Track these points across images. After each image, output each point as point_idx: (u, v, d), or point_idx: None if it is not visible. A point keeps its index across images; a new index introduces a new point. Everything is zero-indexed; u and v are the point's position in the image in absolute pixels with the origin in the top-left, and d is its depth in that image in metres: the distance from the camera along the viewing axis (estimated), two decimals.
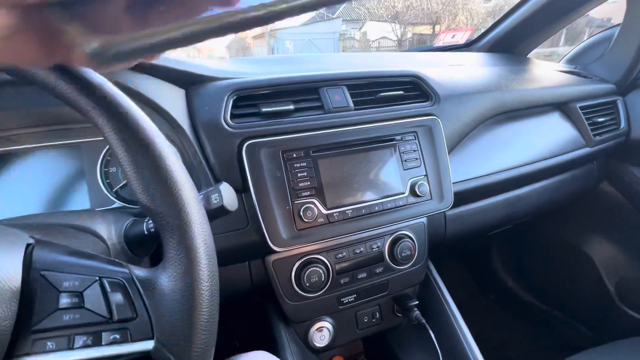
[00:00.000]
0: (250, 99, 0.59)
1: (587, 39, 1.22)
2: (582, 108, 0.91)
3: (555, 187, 0.92)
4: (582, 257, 1.16)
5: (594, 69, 1.08)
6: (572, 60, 1.20)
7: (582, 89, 0.94)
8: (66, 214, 0.45)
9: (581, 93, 0.93)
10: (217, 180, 0.55)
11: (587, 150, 0.91)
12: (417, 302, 0.69)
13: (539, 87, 0.88)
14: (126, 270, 0.30)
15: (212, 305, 0.29)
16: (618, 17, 1.04)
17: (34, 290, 0.27)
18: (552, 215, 1.20)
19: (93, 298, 0.28)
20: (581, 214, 1.16)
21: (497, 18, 1.21)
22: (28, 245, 0.30)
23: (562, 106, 0.92)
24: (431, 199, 0.65)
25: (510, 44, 1.21)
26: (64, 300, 0.27)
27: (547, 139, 0.86)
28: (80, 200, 0.58)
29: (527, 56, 1.24)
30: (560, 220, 1.20)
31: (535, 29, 1.13)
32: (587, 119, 0.91)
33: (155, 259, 0.54)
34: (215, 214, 0.42)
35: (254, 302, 0.76)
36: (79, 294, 0.28)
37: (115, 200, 0.58)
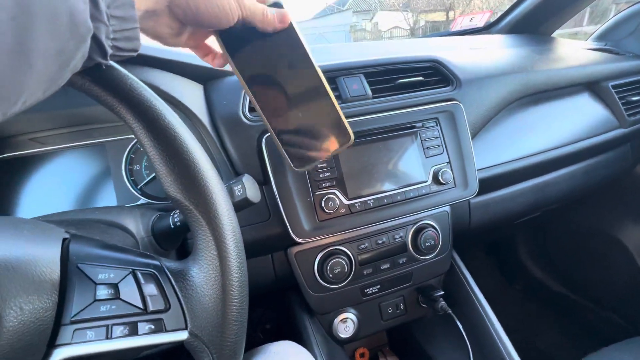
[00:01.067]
0: None
1: (615, 15, 1.14)
2: (614, 87, 0.86)
3: (587, 171, 0.87)
4: (615, 245, 1.11)
5: (627, 45, 1.01)
6: (601, 37, 1.13)
7: (614, 67, 0.88)
8: (96, 210, 0.46)
9: (613, 71, 0.88)
10: (238, 174, 0.56)
11: (621, 131, 0.86)
12: (443, 293, 0.68)
13: (567, 67, 0.83)
14: (158, 263, 0.30)
15: (242, 296, 0.29)
16: None
17: (72, 282, 0.28)
18: (582, 201, 1.14)
19: (128, 290, 0.28)
20: (615, 199, 1.10)
21: (514, 1, 1.15)
22: (64, 239, 0.31)
23: (592, 86, 0.87)
24: (455, 186, 0.63)
25: (532, 24, 1.15)
26: (101, 292, 0.28)
27: (576, 121, 0.82)
28: (108, 197, 0.60)
29: (552, 35, 1.18)
30: (592, 206, 1.15)
31: (559, 6, 1.07)
32: (620, 98, 0.86)
33: (181, 251, 0.55)
34: (239, 206, 0.42)
35: (277, 293, 0.76)
36: (115, 286, 0.28)
37: (140, 196, 0.60)
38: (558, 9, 1.09)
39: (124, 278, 0.29)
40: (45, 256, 0.28)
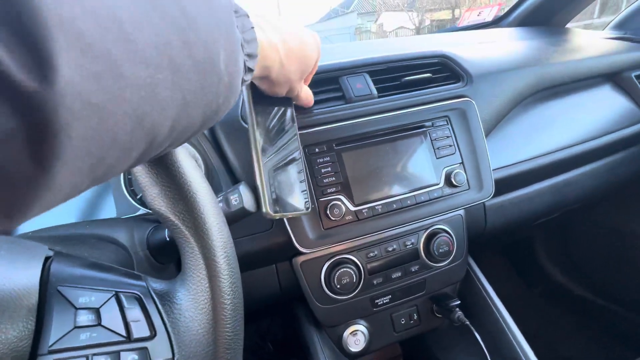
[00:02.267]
0: None
1: (626, 7, 1.08)
2: (638, 77, 0.80)
3: (610, 168, 0.82)
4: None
5: None
6: (620, 26, 1.07)
7: (637, 55, 0.83)
8: (89, 224, 0.44)
9: (636, 60, 0.82)
10: (237, 181, 0.53)
11: None
12: (459, 302, 0.63)
13: (585, 57, 0.78)
14: (143, 283, 0.27)
15: (236, 320, 0.26)
16: None
17: (50, 307, 0.26)
18: (606, 200, 1.08)
19: (110, 315, 0.26)
20: (636, 197, 1.03)
21: None
22: (47, 258, 0.29)
23: (613, 77, 0.82)
24: (469, 188, 0.59)
25: (544, 15, 1.10)
26: (81, 318, 0.26)
27: (598, 115, 0.76)
28: (108, 208, 0.58)
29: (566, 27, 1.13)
30: (616, 204, 1.08)
31: None
32: None
33: (180, 265, 0.53)
34: (236, 216, 0.39)
35: (284, 304, 0.73)
36: (96, 311, 0.26)
37: (140, 206, 0.58)
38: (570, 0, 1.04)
39: (106, 302, 0.26)
40: (22, 279, 0.26)
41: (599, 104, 0.78)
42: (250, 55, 0.25)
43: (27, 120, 0.11)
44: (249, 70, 0.25)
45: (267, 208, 0.37)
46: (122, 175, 0.57)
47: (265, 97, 0.40)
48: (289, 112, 0.46)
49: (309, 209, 0.45)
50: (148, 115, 0.15)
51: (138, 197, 0.58)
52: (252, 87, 0.39)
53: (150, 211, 0.58)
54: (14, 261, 0.27)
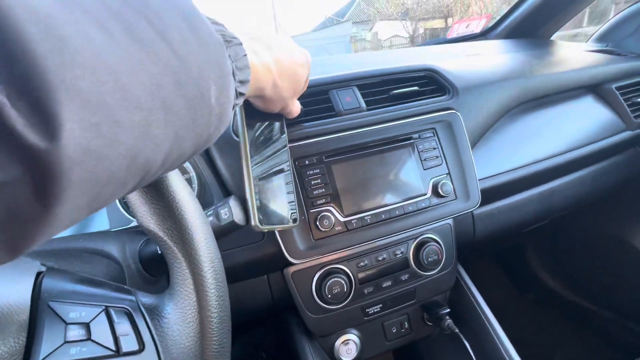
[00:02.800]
0: None
1: (615, 15, 1.13)
2: (618, 88, 0.83)
3: (595, 176, 0.84)
4: (631, 252, 1.06)
5: (629, 45, 0.99)
6: (602, 38, 1.11)
7: (617, 68, 0.86)
8: (81, 237, 0.45)
9: (616, 72, 0.85)
10: (229, 194, 0.54)
11: (627, 134, 0.83)
12: (449, 310, 0.64)
13: (568, 70, 0.81)
14: (132, 298, 0.28)
15: (223, 334, 0.27)
16: None
17: (41, 322, 0.26)
18: (592, 206, 1.10)
19: (100, 329, 0.26)
20: (627, 204, 1.06)
21: (511, 4, 1.14)
22: (39, 273, 0.29)
23: (595, 88, 0.84)
24: (456, 198, 0.61)
25: (530, 28, 1.14)
26: (71, 333, 0.26)
27: (581, 125, 0.79)
28: (101, 220, 0.58)
29: (551, 39, 1.16)
30: (604, 212, 1.10)
31: (558, 8, 1.06)
32: (625, 100, 0.83)
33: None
34: (227, 229, 0.40)
35: (277, 314, 0.73)
36: (86, 325, 0.27)
37: (132, 218, 0.58)
38: (555, 12, 1.08)
39: (96, 317, 0.27)
40: (14, 295, 0.26)
41: (582, 114, 0.81)
42: (242, 82, 0.26)
43: (33, 168, 0.12)
44: (240, 94, 0.26)
45: (255, 221, 0.38)
46: None
47: (257, 112, 0.41)
48: (278, 124, 0.47)
49: (296, 222, 0.46)
50: (142, 153, 0.16)
51: (131, 209, 0.59)
52: (245, 104, 0.40)
53: None
54: (6, 277, 0.28)
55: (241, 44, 0.26)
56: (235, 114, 0.55)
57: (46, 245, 0.42)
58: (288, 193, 0.46)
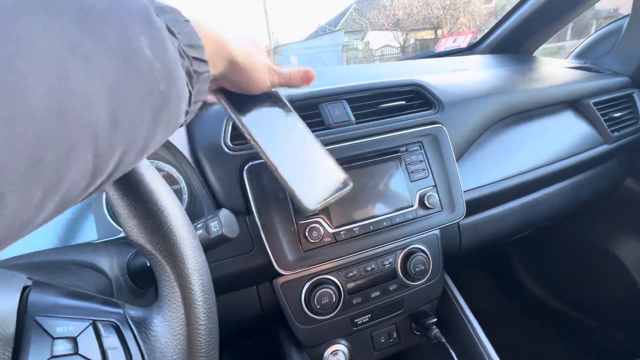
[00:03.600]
0: None
1: (595, 32, 1.18)
2: (596, 104, 0.87)
3: (575, 187, 0.87)
4: (611, 260, 1.09)
5: (606, 63, 1.04)
6: (580, 55, 1.17)
7: (595, 84, 0.90)
8: (69, 249, 0.45)
9: (594, 88, 0.89)
10: (220, 206, 0.55)
11: (605, 147, 0.87)
12: (436, 320, 0.65)
13: (548, 86, 0.85)
14: (120, 311, 0.28)
15: (210, 345, 0.27)
16: (625, 7, 1.01)
17: (27, 338, 0.26)
18: (575, 217, 1.14)
19: (87, 343, 0.26)
20: (606, 214, 1.10)
21: (499, 18, 1.19)
22: (25, 288, 0.29)
23: (574, 103, 0.88)
24: (442, 210, 0.62)
25: (514, 43, 1.18)
26: (58, 347, 0.26)
27: (561, 138, 0.82)
28: (89, 231, 0.58)
29: (533, 54, 1.21)
30: (585, 221, 1.14)
31: (540, 25, 1.10)
32: (602, 115, 0.87)
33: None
34: (216, 242, 0.41)
35: (265, 325, 0.73)
36: (73, 340, 0.27)
37: (120, 229, 0.58)
38: (538, 29, 1.13)
39: (83, 330, 0.27)
40: (0, 310, 0.26)
41: (562, 129, 0.84)
42: (193, 46, 0.25)
43: None
44: (196, 60, 0.25)
45: (306, 205, 0.36)
46: (103, 197, 0.58)
47: (249, 102, 0.38)
48: (279, 104, 0.42)
49: (351, 184, 0.42)
50: (70, 108, 0.15)
51: (120, 222, 0.58)
52: (230, 97, 0.38)
53: None
54: None
55: (178, 11, 0.25)
56: (225, 121, 0.56)
57: (33, 258, 0.42)
58: (324, 157, 0.41)
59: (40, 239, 0.55)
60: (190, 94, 0.25)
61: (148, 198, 0.28)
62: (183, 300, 0.27)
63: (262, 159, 0.37)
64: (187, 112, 0.27)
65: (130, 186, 0.28)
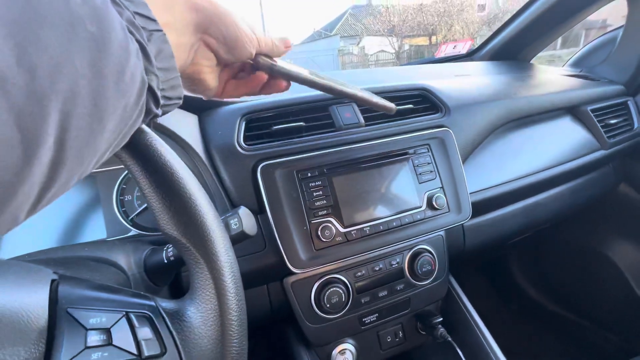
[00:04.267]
0: (262, 120, 0.60)
1: (585, 42, 1.22)
2: (593, 111, 0.90)
3: (573, 191, 0.90)
4: (606, 263, 1.12)
5: (601, 71, 1.07)
6: (576, 64, 1.20)
7: (592, 92, 0.93)
8: (85, 246, 0.45)
9: (591, 96, 0.92)
10: (233, 204, 0.55)
11: (602, 152, 0.90)
12: (442, 319, 0.66)
13: (548, 92, 0.87)
14: (153, 303, 0.29)
15: (242, 336, 0.28)
16: (614, 18, 1.05)
17: (60, 329, 0.27)
18: (571, 220, 1.17)
19: (121, 334, 0.27)
20: (602, 218, 1.13)
21: (492, 26, 1.22)
22: (53, 281, 0.30)
23: (572, 110, 0.91)
24: (449, 211, 0.64)
25: (512, 51, 1.22)
26: (92, 338, 0.27)
27: (560, 143, 0.85)
28: (97, 229, 0.58)
29: (531, 62, 1.24)
30: (581, 225, 1.17)
31: (537, 34, 1.14)
32: (599, 121, 0.90)
33: (174, 287, 0.54)
34: (236, 239, 0.41)
35: (272, 324, 0.74)
36: (107, 331, 0.27)
37: (132, 228, 0.58)
38: (536, 37, 1.16)
39: (117, 322, 0.27)
40: (32, 302, 0.27)
41: (561, 134, 0.87)
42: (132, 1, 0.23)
43: None
44: (138, 14, 0.23)
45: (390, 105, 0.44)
46: (114, 196, 0.58)
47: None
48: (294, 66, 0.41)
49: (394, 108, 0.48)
50: None
51: (130, 218, 0.59)
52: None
53: (142, 232, 0.58)
54: (21, 284, 0.28)
55: None
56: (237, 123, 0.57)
57: (52, 254, 0.42)
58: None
59: (48, 237, 0.55)
60: (143, 46, 0.22)
61: (181, 192, 0.29)
62: (216, 292, 0.28)
63: (334, 92, 0.40)
64: (156, 76, 0.24)
65: (164, 180, 0.29)
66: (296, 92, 0.64)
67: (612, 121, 0.92)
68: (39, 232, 0.55)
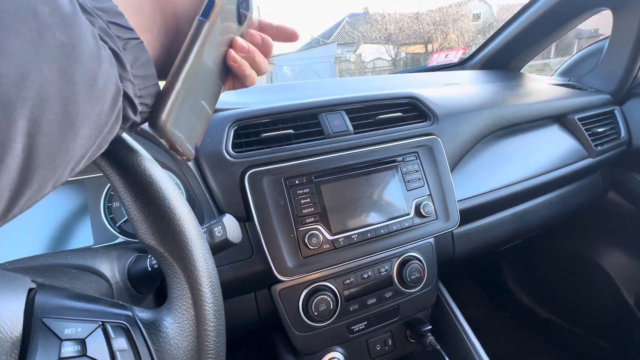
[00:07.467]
0: (251, 128, 0.60)
1: (577, 51, 1.25)
2: (580, 119, 0.92)
3: (562, 199, 0.90)
4: (596, 270, 1.13)
5: (588, 81, 1.09)
6: (564, 73, 1.22)
7: (579, 101, 0.95)
8: (69, 254, 0.44)
9: (578, 105, 0.94)
10: (221, 211, 0.55)
11: (589, 160, 0.91)
12: (431, 327, 0.66)
13: (536, 101, 0.89)
14: (129, 313, 0.29)
15: (219, 347, 0.28)
16: (604, 28, 1.07)
17: (34, 339, 0.26)
18: (561, 227, 1.18)
19: (96, 345, 0.27)
20: (591, 225, 1.14)
21: (486, 34, 1.25)
22: (30, 290, 0.29)
23: (560, 118, 0.92)
24: (437, 218, 0.64)
25: (503, 60, 1.24)
26: (66, 349, 0.26)
27: (548, 151, 0.86)
28: (84, 236, 0.57)
29: (520, 71, 1.26)
30: (570, 232, 1.18)
31: (527, 44, 1.16)
32: (586, 129, 0.92)
33: (159, 295, 0.53)
34: (220, 247, 0.41)
35: (261, 332, 0.73)
36: (82, 342, 0.27)
37: (119, 235, 0.58)
38: (526, 47, 1.18)
39: (92, 332, 0.27)
40: (7, 312, 0.26)
41: (549, 142, 0.88)
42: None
43: None
44: (112, 24, 0.22)
45: (166, 117, 0.26)
46: (101, 203, 0.58)
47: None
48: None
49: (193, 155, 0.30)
50: None
51: (117, 225, 0.58)
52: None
53: (129, 239, 0.58)
54: None
55: None
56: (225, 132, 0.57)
57: (33, 261, 0.42)
58: (205, 120, 0.31)
59: (33, 243, 0.55)
60: (117, 53, 0.22)
61: (160, 201, 0.29)
62: (193, 302, 0.27)
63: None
64: (131, 82, 0.23)
65: (143, 189, 0.29)
66: (286, 100, 0.65)
67: (599, 130, 0.94)
68: (25, 239, 0.55)
